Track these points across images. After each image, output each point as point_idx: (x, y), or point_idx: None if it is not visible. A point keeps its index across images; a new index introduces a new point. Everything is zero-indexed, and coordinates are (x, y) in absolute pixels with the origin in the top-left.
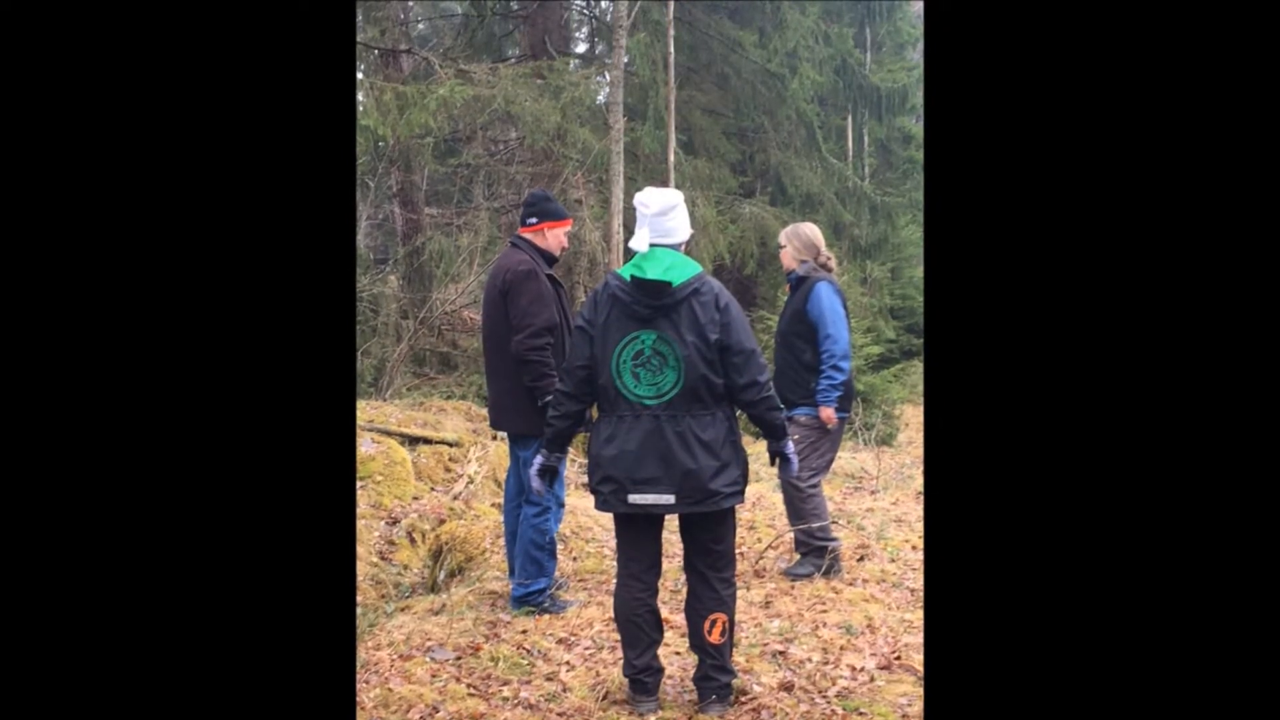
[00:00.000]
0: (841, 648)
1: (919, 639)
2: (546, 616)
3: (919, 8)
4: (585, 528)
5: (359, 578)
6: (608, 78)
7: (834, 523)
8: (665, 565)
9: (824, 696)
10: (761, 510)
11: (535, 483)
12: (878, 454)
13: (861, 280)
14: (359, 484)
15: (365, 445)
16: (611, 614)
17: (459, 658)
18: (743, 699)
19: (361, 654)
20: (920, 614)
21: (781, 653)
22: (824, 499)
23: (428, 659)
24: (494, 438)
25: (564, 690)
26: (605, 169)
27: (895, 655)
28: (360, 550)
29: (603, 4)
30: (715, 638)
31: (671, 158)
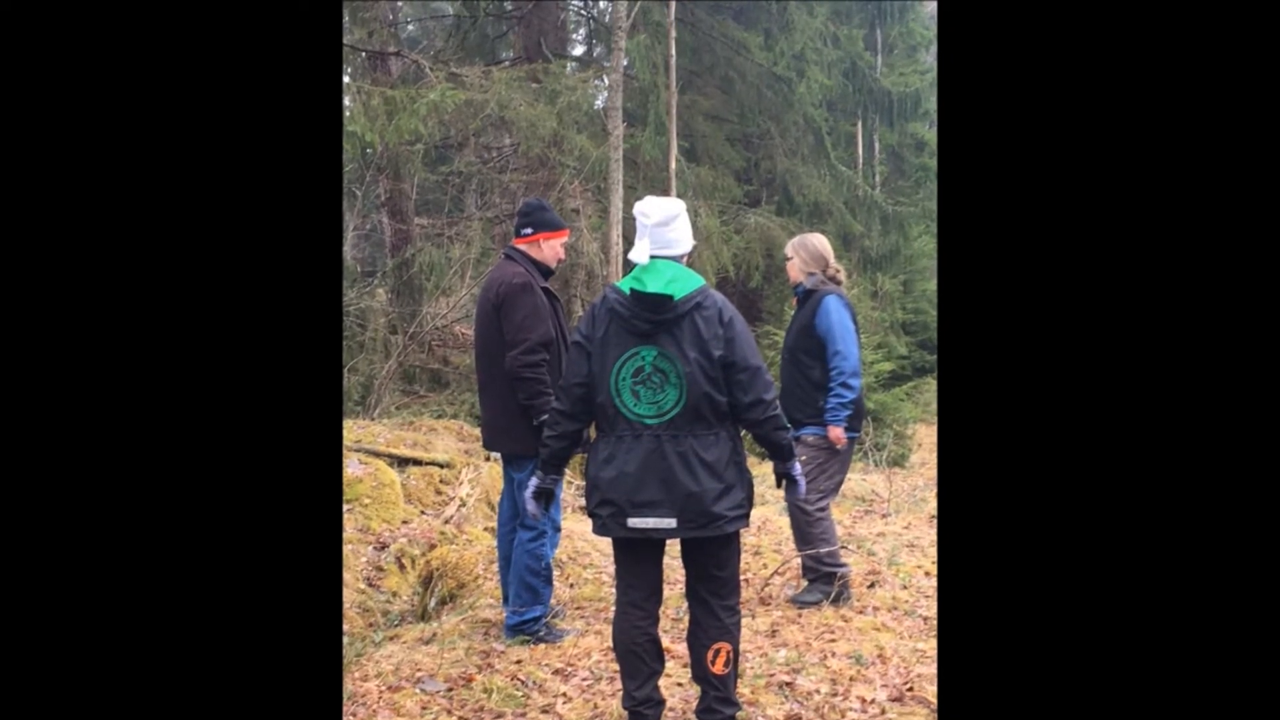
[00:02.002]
0: (851, 678)
1: (932, 669)
2: (542, 646)
3: (932, 8)
4: (583, 553)
5: (345, 605)
6: (606, 81)
7: (843, 548)
8: (666, 592)
9: None
10: (767, 534)
11: (530, 506)
12: (889, 476)
13: (872, 294)
14: (345, 507)
15: (352, 466)
16: (610, 643)
17: (450, 689)
18: None
19: (348, 685)
20: (933, 643)
21: (788, 684)
22: (833, 523)
23: (418, 690)
24: (487, 459)
25: None
26: (604, 177)
27: (907, 686)
28: (347, 576)
29: (601, 4)
30: (719, 668)
31: (673, 165)
